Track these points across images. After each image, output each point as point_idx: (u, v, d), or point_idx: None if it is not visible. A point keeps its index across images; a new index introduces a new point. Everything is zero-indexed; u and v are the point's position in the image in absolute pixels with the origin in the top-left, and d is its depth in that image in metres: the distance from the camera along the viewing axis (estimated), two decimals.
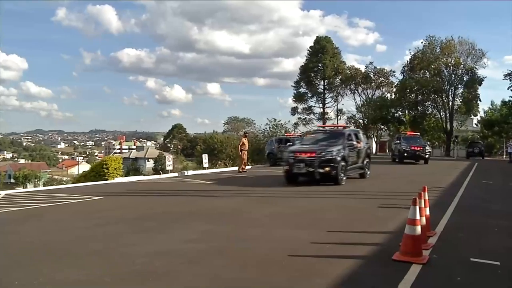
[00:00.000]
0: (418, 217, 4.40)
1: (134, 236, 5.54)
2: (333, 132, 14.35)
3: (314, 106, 47.05)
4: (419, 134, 27.89)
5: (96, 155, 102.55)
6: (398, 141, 24.52)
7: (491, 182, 13.72)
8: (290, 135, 25.82)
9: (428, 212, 5.37)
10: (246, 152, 17.90)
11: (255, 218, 6.91)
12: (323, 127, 17.44)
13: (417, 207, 4.43)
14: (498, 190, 11.85)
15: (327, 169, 11.53)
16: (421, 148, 22.80)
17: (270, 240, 5.30)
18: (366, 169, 14.00)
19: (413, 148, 22.71)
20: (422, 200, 5.11)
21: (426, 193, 5.47)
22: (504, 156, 32.46)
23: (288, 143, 21.98)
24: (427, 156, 22.84)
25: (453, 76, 40.23)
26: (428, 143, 28.51)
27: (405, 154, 22.70)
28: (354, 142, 13.28)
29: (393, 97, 43.50)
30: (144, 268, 4.14)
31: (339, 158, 11.75)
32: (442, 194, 9.92)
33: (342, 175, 11.84)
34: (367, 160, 14.18)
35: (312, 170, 11.60)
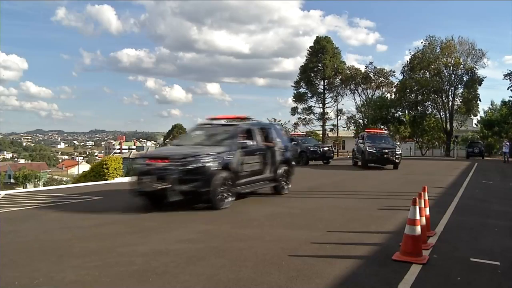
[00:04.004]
0: (418, 217, 4.40)
1: (133, 236, 5.54)
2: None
3: (314, 106, 47.09)
4: (386, 132, 26.00)
5: (96, 155, 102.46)
6: (362, 141, 20.06)
7: (491, 182, 13.71)
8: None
9: (428, 212, 5.37)
10: None
11: (254, 218, 6.90)
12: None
13: (417, 207, 4.43)
14: (498, 190, 11.85)
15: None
16: (390, 150, 18.67)
17: (269, 240, 5.29)
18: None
19: (380, 149, 18.59)
20: (422, 200, 5.11)
21: (426, 193, 5.47)
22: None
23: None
24: (397, 160, 18.58)
25: (453, 76, 40.27)
26: (398, 143, 24.25)
27: (371, 157, 18.64)
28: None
29: (393, 97, 43.55)
30: (143, 268, 4.13)
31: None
32: (442, 194, 9.92)
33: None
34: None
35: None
